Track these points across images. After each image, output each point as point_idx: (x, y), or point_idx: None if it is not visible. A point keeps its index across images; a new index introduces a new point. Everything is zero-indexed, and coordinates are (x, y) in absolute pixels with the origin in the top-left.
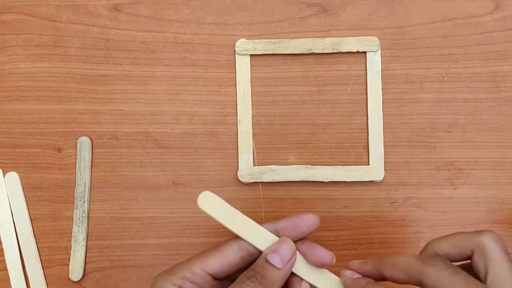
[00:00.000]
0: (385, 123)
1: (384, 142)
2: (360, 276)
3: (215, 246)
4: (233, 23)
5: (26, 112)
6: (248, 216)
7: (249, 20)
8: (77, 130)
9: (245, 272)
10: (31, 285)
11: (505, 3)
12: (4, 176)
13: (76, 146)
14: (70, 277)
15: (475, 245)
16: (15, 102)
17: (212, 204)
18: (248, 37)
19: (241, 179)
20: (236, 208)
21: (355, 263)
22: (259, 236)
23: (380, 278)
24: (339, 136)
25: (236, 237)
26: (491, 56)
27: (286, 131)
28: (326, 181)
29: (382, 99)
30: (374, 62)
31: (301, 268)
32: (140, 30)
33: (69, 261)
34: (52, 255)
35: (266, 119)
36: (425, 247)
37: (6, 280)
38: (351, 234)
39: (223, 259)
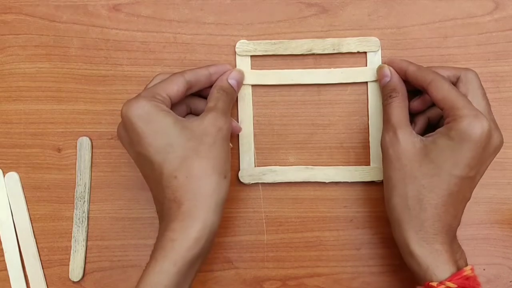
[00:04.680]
0: None
1: None
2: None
3: (164, 79)
4: (233, 23)
5: (26, 112)
6: (248, 217)
7: (249, 20)
8: (77, 130)
9: (214, 87)
10: (31, 285)
11: (505, 3)
12: (4, 176)
13: (76, 146)
14: (70, 277)
15: (463, 75)
16: (15, 102)
17: None
18: (248, 37)
19: (242, 180)
20: (236, 208)
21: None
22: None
23: (404, 77)
24: (339, 136)
25: (181, 72)
26: (491, 56)
27: (286, 131)
28: (327, 181)
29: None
30: (375, 62)
31: None
32: (140, 30)
33: (69, 261)
34: (52, 255)
35: (266, 119)
36: (428, 69)
37: (6, 280)
38: (351, 234)
39: (175, 85)
